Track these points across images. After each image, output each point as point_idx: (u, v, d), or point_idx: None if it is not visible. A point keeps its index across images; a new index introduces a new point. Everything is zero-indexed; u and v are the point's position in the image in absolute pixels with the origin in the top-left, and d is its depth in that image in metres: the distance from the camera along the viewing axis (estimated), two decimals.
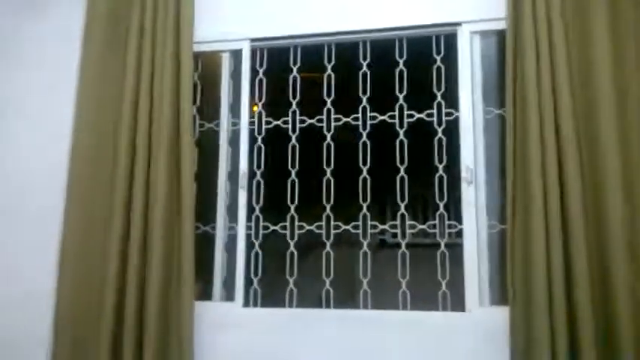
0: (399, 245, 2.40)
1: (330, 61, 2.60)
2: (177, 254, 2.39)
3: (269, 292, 2.49)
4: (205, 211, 2.56)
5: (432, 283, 2.33)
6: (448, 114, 2.45)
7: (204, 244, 2.53)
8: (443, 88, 2.46)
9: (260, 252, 2.51)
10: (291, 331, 2.33)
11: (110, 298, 2.33)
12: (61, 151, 2.56)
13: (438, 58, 2.49)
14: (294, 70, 2.63)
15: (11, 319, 2.51)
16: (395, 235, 2.46)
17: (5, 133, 2.71)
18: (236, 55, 2.66)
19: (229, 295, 2.48)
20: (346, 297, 2.54)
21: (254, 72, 2.64)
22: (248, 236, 2.50)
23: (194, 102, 2.56)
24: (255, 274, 2.49)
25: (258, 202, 2.55)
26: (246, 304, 2.44)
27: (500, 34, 2.38)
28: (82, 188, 2.47)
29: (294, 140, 2.59)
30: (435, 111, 2.46)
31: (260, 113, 2.64)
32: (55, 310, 2.39)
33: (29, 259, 2.55)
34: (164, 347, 2.32)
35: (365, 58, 2.56)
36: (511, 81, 2.22)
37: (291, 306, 2.43)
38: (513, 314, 2.08)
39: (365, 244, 2.43)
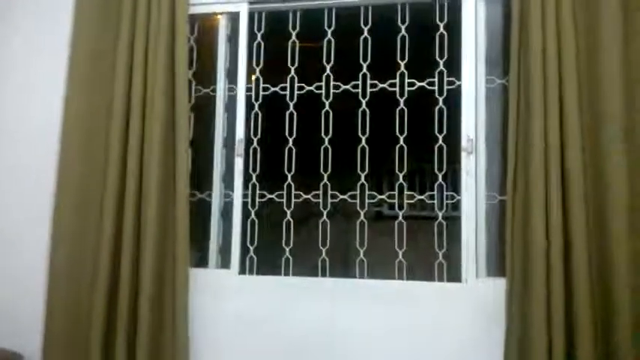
0: (395, 217, 2.38)
1: (330, 26, 2.52)
2: (172, 221, 2.37)
3: (265, 260, 2.48)
4: (201, 178, 2.53)
5: (428, 254, 2.32)
6: (450, 83, 2.39)
7: (201, 212, 2.51)
8: (445, 56, 2.40)
9: (256, 220, 2.48)
10: (287, 299, 2.33)
11: (104, 263, 2.31)
12: (53, 116, 2.50)
13: (441, 25, 2.42)
14: (293, 35, 2.56)
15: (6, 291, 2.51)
16: (392, 207, 2.44)
17: None
18: (234, 17, 2.59)
19: (225, 263, 2.47)
20: (342, 266, 2.53)
21: (252, 36, 2.57)
22: (244, 204, 2.48)
23: (190, 66, 2.50)
24: (252, 243, 2.47)
25: (254, 169, 2.52)
26: (241, 271, 2.43)
27: (506, 1, 2.31)
28: (74, 155, 2.42)
29: (291, 107, 2.53)
30: (436, 79, 2.40)
31: (257, 79, 2.58)
32: (48, 279, 2.38)
33: (21, 230, 2.53)
34: (159, 313, 2.32)
35: (366, 24, 2.49)
36: (516, 49, 2.16)
37: (287, 274, 2.42)
38: (510, 286, 2.07)
39: (362, 214, 2.41)
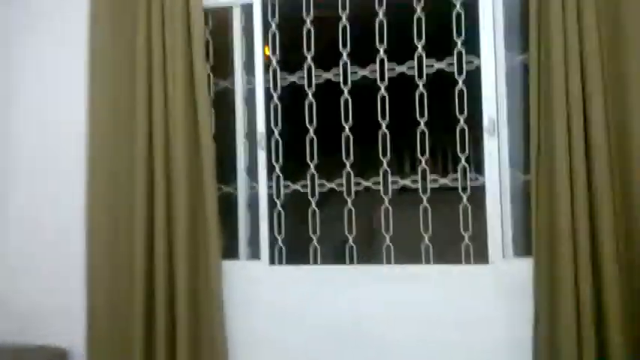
0: (419, 197, 2.37)
1: (344, 9, 2.49)
2: (202, 216, 2.43)
3: (293, 249, 2.53)
4: (226, 171, 2.57)
5: (454, 235, 2.33)
6: (469, 62, 2.35)
7: (228, 205, 2.56)
8: (463, 35, 2.36)
9: (282, 211, 2.52)
10: (317, 287, 2.39)
11: (140, 261, 2.41)
12: (78, 125, 2.57)
13: (458, 3, 2.37)
14: (308, 22, 2.54)
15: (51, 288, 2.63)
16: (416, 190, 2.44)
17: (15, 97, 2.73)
18: (247, 8, 2.58)
19: (255, 254, 2.53)
20: (369, 251, 2.57)
21: (266, 26, 2.56)
22: (270, 195, 2.52)
23: (207, 60, 2.51)
24: (279, 233, 2.52)
25: (277, 160, 2.54)
26: (271, 262, 2.49)
27: None
28: (101, 163, 2.50)
29: (310, 96, 2.53)
30: (455, 60, 2.36)
31: (275, 70, 2.58)
32: (87, 274, 2.49)
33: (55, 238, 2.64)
34: (194, 305, 2.41)
35: (381, 5, 2.45)
36: (535, 24, 2.11)
37: (315, 262, 2.47)
38: (537, 265, 2.08)
39: (387, 200, 2.42)
